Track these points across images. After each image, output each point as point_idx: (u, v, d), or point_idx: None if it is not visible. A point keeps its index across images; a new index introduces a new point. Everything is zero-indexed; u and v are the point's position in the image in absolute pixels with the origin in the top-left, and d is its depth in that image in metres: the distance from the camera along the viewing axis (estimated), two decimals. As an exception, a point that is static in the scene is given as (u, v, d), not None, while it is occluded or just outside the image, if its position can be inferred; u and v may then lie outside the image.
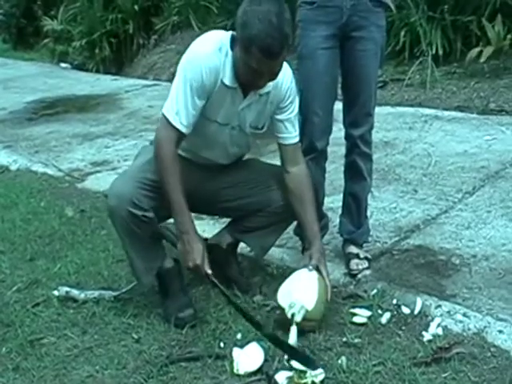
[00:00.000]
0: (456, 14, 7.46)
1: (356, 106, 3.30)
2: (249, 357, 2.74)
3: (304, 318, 2.86)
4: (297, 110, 3.10)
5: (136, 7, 10.79)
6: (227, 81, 2.86)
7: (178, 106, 2.86)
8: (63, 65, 12.40)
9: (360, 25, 3.19)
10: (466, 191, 4.45)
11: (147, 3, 11.06)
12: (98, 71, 11.18)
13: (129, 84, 9.68)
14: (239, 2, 2.81)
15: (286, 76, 3.00)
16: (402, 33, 7.53)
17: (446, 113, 6.44)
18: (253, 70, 2.72)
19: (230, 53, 2.85)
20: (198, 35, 2.99)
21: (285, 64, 2.91)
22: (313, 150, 3.32)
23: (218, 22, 9.57)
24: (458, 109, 6.57)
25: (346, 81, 3.33)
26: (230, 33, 2.88)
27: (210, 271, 2.91)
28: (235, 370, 2.70)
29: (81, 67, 11.77)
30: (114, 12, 11.09)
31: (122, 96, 8.89)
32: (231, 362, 2.74)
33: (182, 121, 2.87)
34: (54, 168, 5.89)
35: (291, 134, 3.10)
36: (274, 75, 2.80)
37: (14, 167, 6.06)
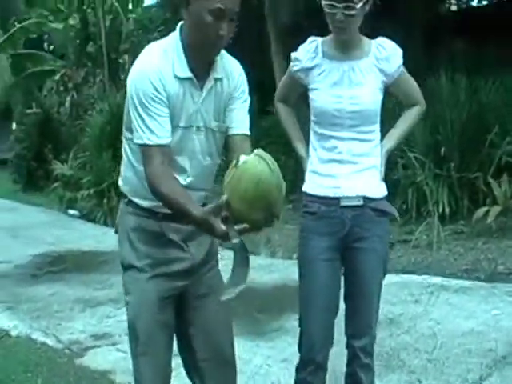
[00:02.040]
0: (462, 171, 7.51)
1: (357, 317, 3.21)
2: None
3: None
4: (249, 101, 2.97)
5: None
6: (180, 72, 2.77)
7: (147, 126, 2.73)
8: (71, 211, 12.49)
9: (362, 236, 3.13)
10: (472, 381, 4.27)
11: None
12: (105, 221, 11.20)
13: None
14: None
15: (235, 65, 2.95)
16: (409, 191, 7.57)
17: (453, 281, 6.32)
18: (213, 15, 2.63)
19: (178, 43, 2.79)
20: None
21: (230, 57, 2.92)
22: (311, 363, 3.19)
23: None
24: (466, 272, 6.48)
25: (347, 292, 3.24)
26: (177, 29, 2.83)
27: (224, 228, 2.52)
28: None
29: (89, 215, 11.83)
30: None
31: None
32: None
33: (158, 134, 2.73)
34: (54, 338, 5.77)
35: (243, 123, 2.93)
36: (234, 15, 2.69)
37: (14, 333, 5.95)
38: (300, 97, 3.39)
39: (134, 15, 16.93)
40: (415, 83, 3.35)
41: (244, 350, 4.85)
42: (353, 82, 3.14)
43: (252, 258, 2.50)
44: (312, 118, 3.24)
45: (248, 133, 2.95)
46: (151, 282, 2.91)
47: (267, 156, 2.39)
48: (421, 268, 6.80)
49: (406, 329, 5.29)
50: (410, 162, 7.62)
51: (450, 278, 6.42)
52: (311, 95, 3.22)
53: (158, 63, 2.76)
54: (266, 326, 5.54)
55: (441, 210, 7.37)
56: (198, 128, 2.87)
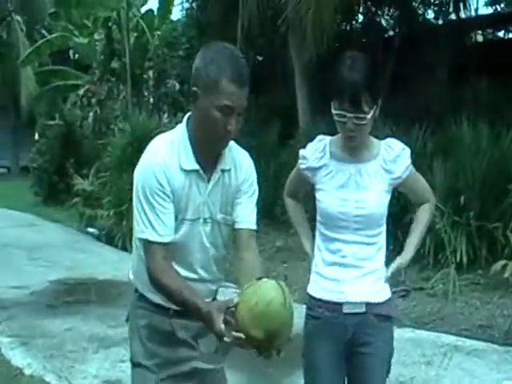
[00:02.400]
0: (481, 220, 7.47)
1: None
2: None
3: None
4: (257, 195, 2.96)
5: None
6: (187, 165, 2.76)
7: (149, 221, 2.72)
8: (90, 230, 12.55)
9: (365, 341, 3.11)
10: None
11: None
12: (123, 244, 11.24)
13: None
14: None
15: (244, 156, 2.95)
16: (427, 238, 7.51)
17: (467, 342, 6.26)
18: (221, 111, 2.64)
19: (185, 135, 2.79)
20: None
21: (240, 148, 2.93)
22: None
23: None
24: (480, 328, 6.43)
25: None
26: (183, 121, 2.84)
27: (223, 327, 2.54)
28: None
29: (108, 234, 11.89)
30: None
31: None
32: None
33: (160, 233, 2.72)
34: (67, 383, 5.74)
35: (249, 218, 2.92)
36: (242, 110, 2.70)
37: (28, 372, 5.95)
38: (308, 193, 3.36)
39: (159, 32, 17.00)
40: (424, 181, 3.32)
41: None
42: (360, 185, 3.11)
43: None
44: (318, 217, 3.21)
45: (254, 227, 2.93)
46: None
47: (287, 292, 2.42)
48: (435, 320, 6.75)
49: (416, 392, 5.27)
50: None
51: (463, 338, 6.36)
52: (317, 195, 3.20)
53: (164, 156, 2.75)
54: (276, 382, 5.49)
55: (458, 259, 7.34)
56: (205, 220, 2.87)
